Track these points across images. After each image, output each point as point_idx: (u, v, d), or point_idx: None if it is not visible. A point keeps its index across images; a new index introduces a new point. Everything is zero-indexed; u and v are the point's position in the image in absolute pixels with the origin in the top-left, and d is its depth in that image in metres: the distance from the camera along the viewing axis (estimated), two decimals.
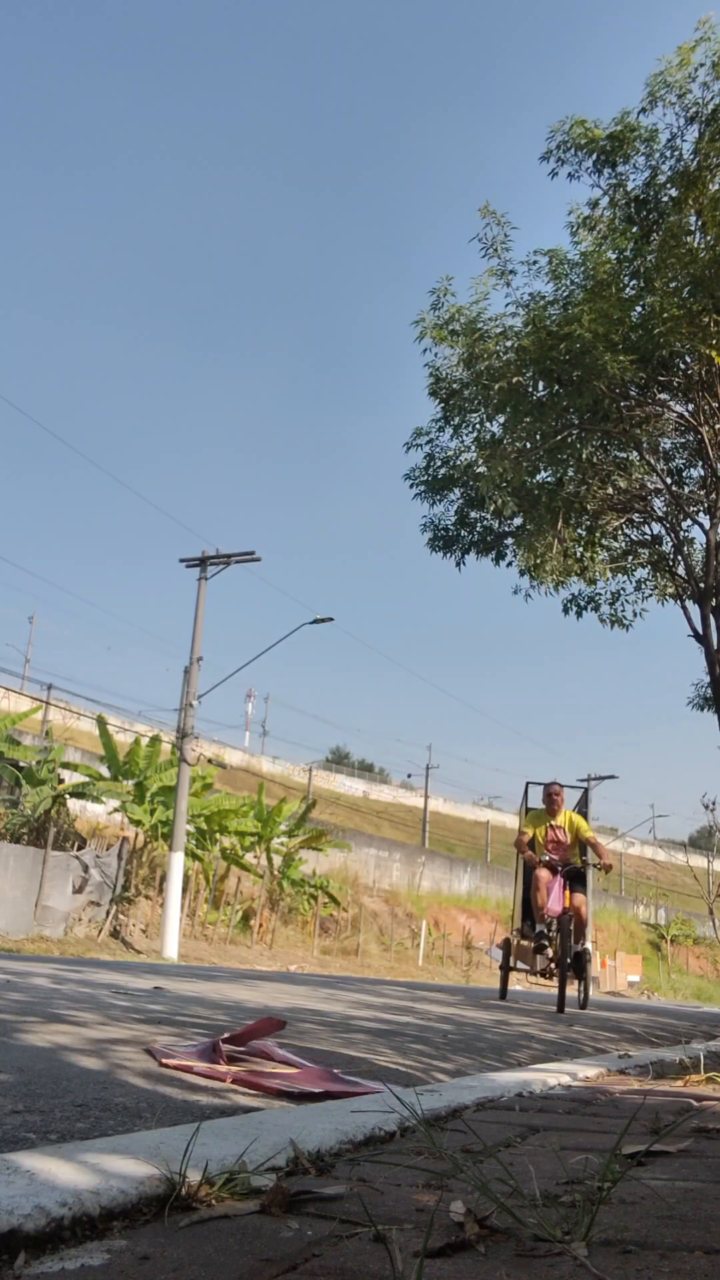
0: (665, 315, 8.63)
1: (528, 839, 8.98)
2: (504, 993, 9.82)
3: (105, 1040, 2.92)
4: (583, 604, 11.58)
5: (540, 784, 9.37)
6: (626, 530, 11.57)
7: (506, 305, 10.20)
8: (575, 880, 8.80)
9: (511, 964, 9.55)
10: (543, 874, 8.57)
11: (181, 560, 21.50)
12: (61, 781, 20.36)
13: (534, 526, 10.30)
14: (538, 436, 9.91)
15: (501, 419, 10.16)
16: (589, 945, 8.82)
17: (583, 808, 10.21)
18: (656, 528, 11.49)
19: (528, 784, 9.85)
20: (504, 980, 9.80)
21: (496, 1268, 0.86)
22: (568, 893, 8.70)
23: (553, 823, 8.98)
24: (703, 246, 9.01)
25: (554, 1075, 2.53)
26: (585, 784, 11.52)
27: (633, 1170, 1.33)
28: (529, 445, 10.01)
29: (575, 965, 8.87)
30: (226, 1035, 2.81)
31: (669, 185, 9.70)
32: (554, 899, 8.47)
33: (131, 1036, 3.06)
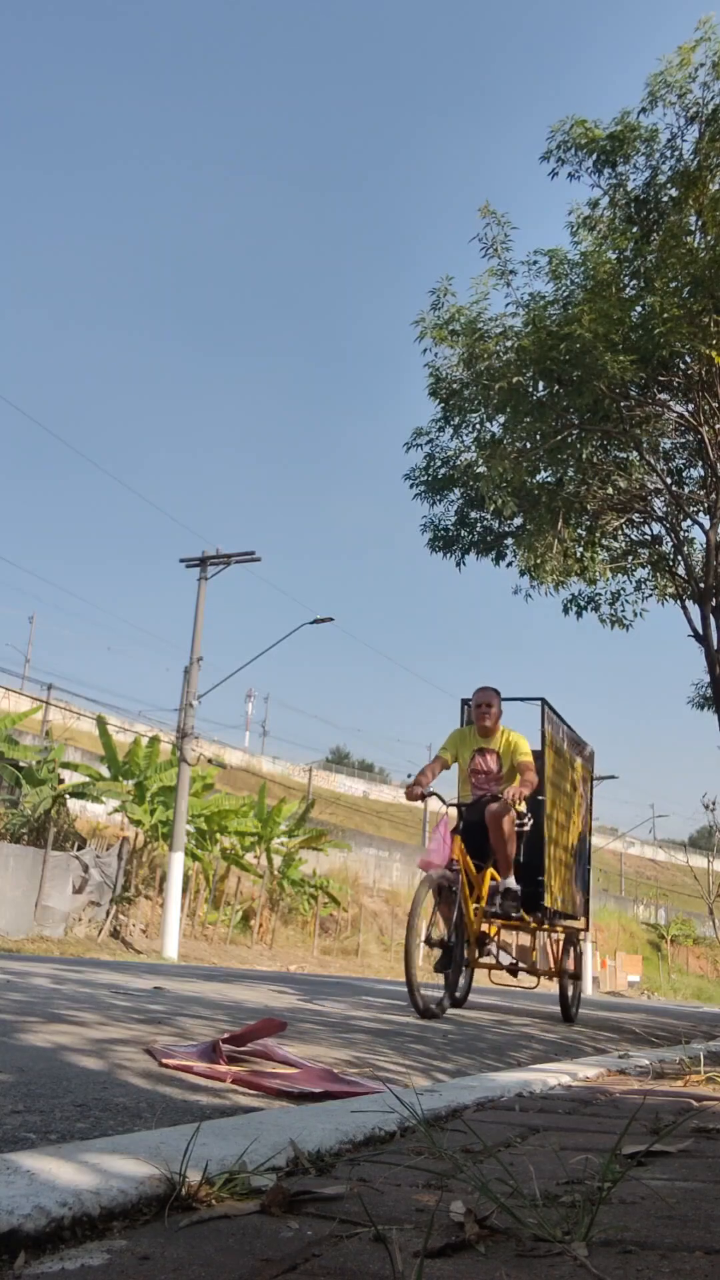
0: (665, 315, 8.63)
1: (436, 772, 6.20)
2: (449, 996, 5.99)
3: (105, 1040, 2.92)
4: (583, 604, 11.58)
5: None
6: (626, 530, 11.57)
7: (506, 305, 10.21)
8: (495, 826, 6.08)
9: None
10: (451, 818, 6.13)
11: (181, 560, 21.51)
12: (61, 781, 20.36)
13: (534, 526, 10.30)
14: (538, 436, 9.91)
15: (501, 419, 10.16)
16: (513, 882, 6.11)
17: (551, 732, 7.06)
18: (656, 528, 11.49)
19: (464, 703, 7.05)
20: (447, 982, 5.98)
21: (496, 1268, 0.86)
22: (460, 849, 5.85)
23: (483, 745, 6.29)
24: (703, 246, 9.01)
25: (554, 1075, 2.53)
26: (539, 699, 6.98)
27: (633, 1170, 1.33)
28: (529, 445, 10.01)
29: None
30: (226, 1035, 2.81)
31: (669, 185, 9.70)
32: (435, 846, 5.55)
33: (131, 1036, 3.06)
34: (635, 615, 11.67)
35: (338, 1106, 1.74)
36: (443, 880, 5.56)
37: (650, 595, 11.74)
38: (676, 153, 9.77)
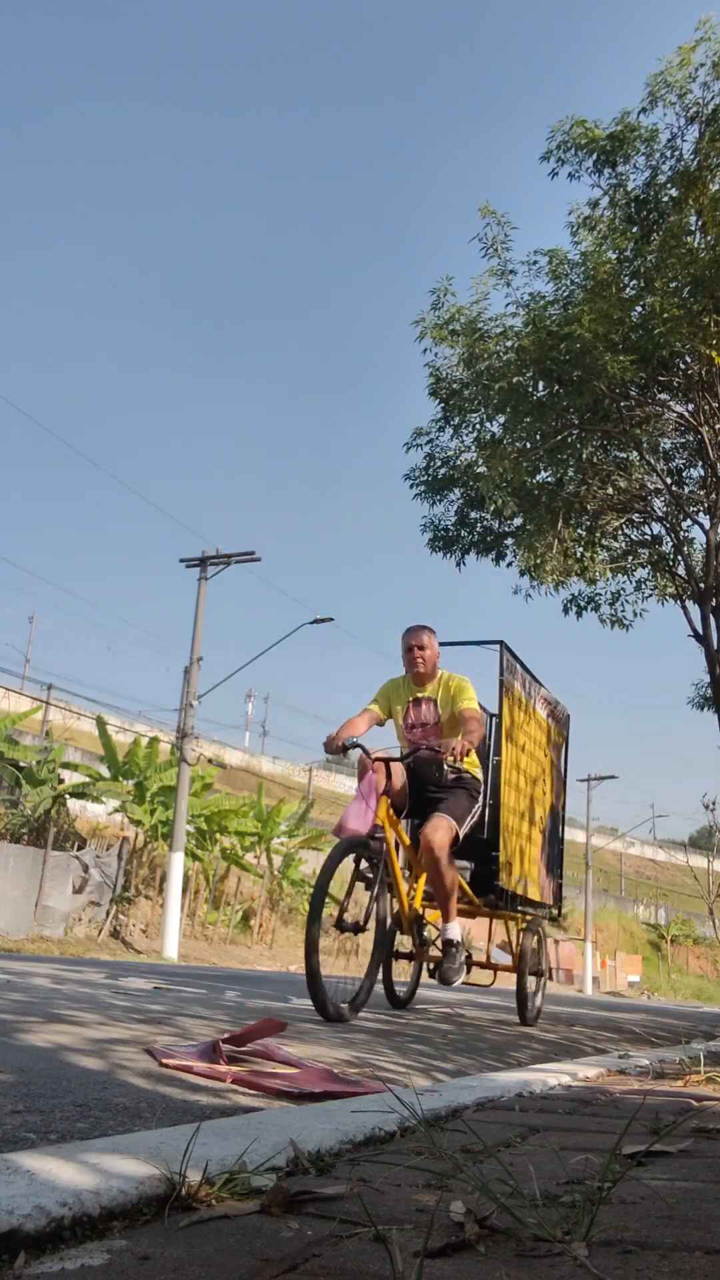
0: (665, 315, 8.63)
1: (364, 727, 5.09)
2: (390, 994, 5.72)
3: (105, 1040, 2.92)
4: (583, 604, 11.58)
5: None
6: (626, 530, 11.57)
7: (506, 305, 10.22)
8: (431, 787, 5.02)
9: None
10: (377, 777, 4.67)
11: (181, 560, 21.51)
12: (61, 781, 20.36)
13: (534, 526, 10.30)
14: (538, 436, 9.91)
15: (501, 419, 10.17)
16: (455, 931, 4.97)
17: (511, 682, 5.93)
18: (656, 528, 11.50)
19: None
20: (383, 978, 5.55)
21: (496, 1268, 0.86)
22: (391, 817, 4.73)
23: (419, 694, 5.16)
24: (703, 246, 9.01)
25: (554, 1075, 2.53)
26: (496, 643, 5.70)
27: (633, 1170, 1.33)
28: (529, 445, 10.01)
29: (442, 967, 5.00)
30: (227, 1035, 2.81)
31: (669, 185, 9.70)
32: (356, 808, 4.48)
33: (131, 1036, 3.06)
34: (635, 615, 11.68)
35: (338, 1106, 1.74)
36: (362, 849, 4.53)
37: (650, 595, 11.74)
38: (676, 153, 9.77)
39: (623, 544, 11.65)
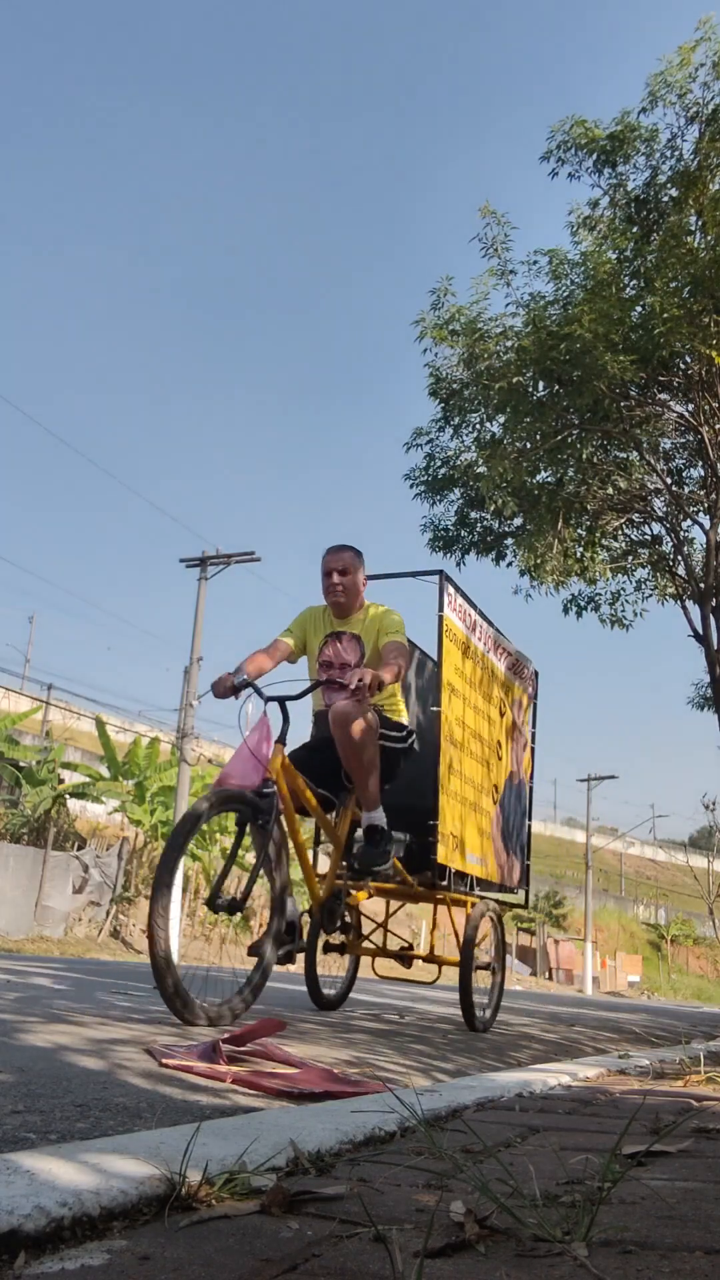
0: (665, 315, 8.63)
1: (268, 663, 4.30)
2: (314, 994, 4.85)
3: (105, 1040, 2.92)
4: (583, 604, 11.58)
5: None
6: (626, 530, 11.57)
7: (506, 305, 10.21)
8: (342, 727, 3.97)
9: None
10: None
11: (181, 560, 21.52)
12: (61, 781, 20.37)
13: (534, 526, 10.30)
14: (538, 436, 9.91)
15: (501, 419, 10.16)
16: (380, 818, 4.19)
17: (456, 621, 5.04)
18: (656, 528, 11.50)
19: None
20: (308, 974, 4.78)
21: (496, 1268, 0.86)
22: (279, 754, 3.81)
23: (339, 627, 4.40)
24: (703, 246, 9.01)
25: (554, 1075, 2.53)
26: (435, 572, 4.95)
27: (633, 1170, 1.33)
28: (529, 445, 10.01)
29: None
30: (227, 1035, 2.81)
31: (669, 185, 9.70)
32: (241, 757, 3.66)
33: (131, 1036, 3.06)
34: (635, 615, 11.68)
35: (338, 1106, 1.74)
36: (243, 807, 3.52)
37: (650, 595, 11.74)
38: (676, 153, 9.77)
39: (623, 544, 11.65)
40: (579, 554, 11.05)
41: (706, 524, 10.57)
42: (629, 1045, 5.35)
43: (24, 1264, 0.83)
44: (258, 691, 3.97)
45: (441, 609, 4.85)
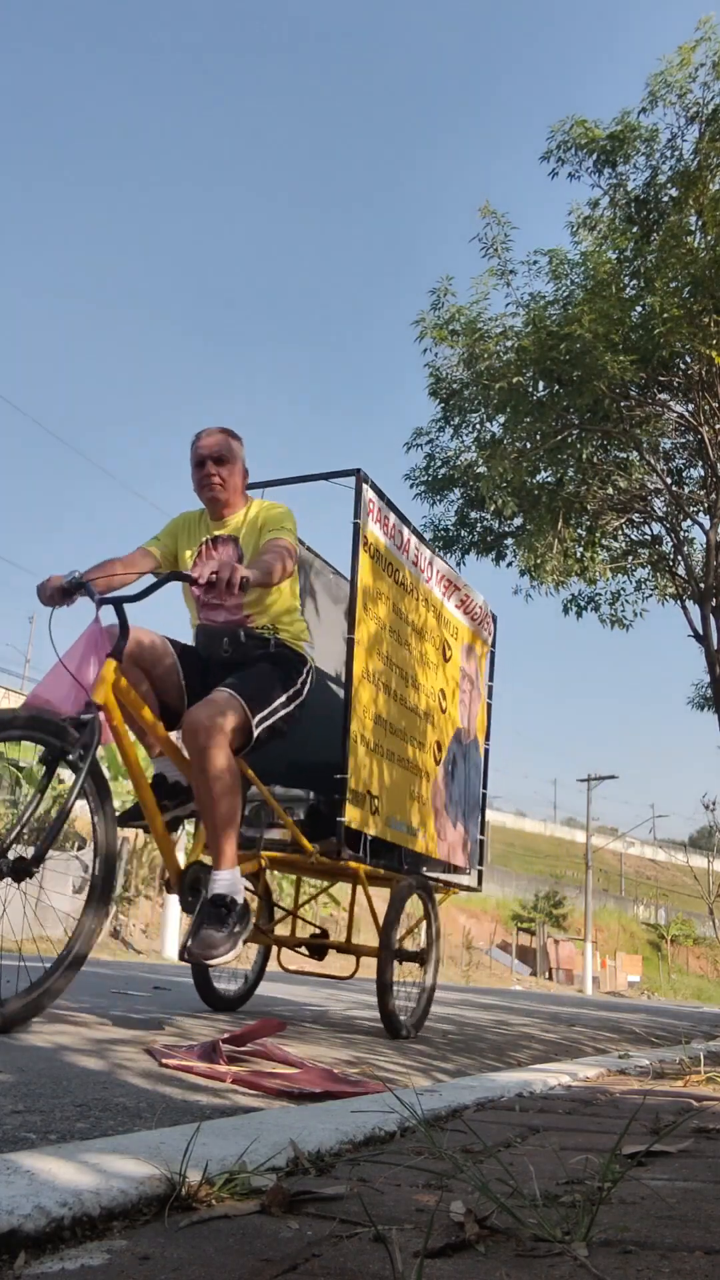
0: (665, 315, 8.63)
1: (124, 571, 3.40)
2: (204, 990, 4.22)
3: (105, 1040, 2.92)
4: (583, 604, 11.58)
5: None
6: (626, 530, 11.57)
7: (506, 305, 10.22)
8: (219, 666, 3.40)
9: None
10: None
11: None
12: (62, 782, 20.34)
13: (534, 526, 10.30)
14: (538, 436, 9.91)
15: (501, 419, 10.16)
16: (228, 882, 3.10)
17: (376, 532, 4.23)
18: (656, 528, 11.50)
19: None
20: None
21: (496, 1268, 0.86)
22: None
23: (216, 532, 3.56)
24: (703, 246, 9.01)
25: (554, 1075, 2.53)
26: (351, 472, 4.11)
27: (633, 1170, 1.33)
28: (529, 445, 10.01)
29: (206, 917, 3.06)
30: (227, 1035, 2.81)
31: (669, 185, 9.70)
32: (53, 680, 2.89)
33: (131, 1036, 3.06)
34: (635, 615, 11.68)
35: (338, 1106, 1.74)
36: (51, 736, 2.78)
37: (650, 595, 11.74)
38: (676, 153, 9.77)
39: (623, 544, 11.65)
40: (579, 554, 11.05)
41: (706, 524, 10.57)
42: (629, 1045, 5.35)
43: (24, 1264, 0.83)
44: (89, 593, 3.10)
45: (358, 516, 4.06)
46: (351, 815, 3.82)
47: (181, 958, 3.23)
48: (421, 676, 4.69)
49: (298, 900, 4.90)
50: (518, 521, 11.00)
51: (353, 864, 3.97)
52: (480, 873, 5.34)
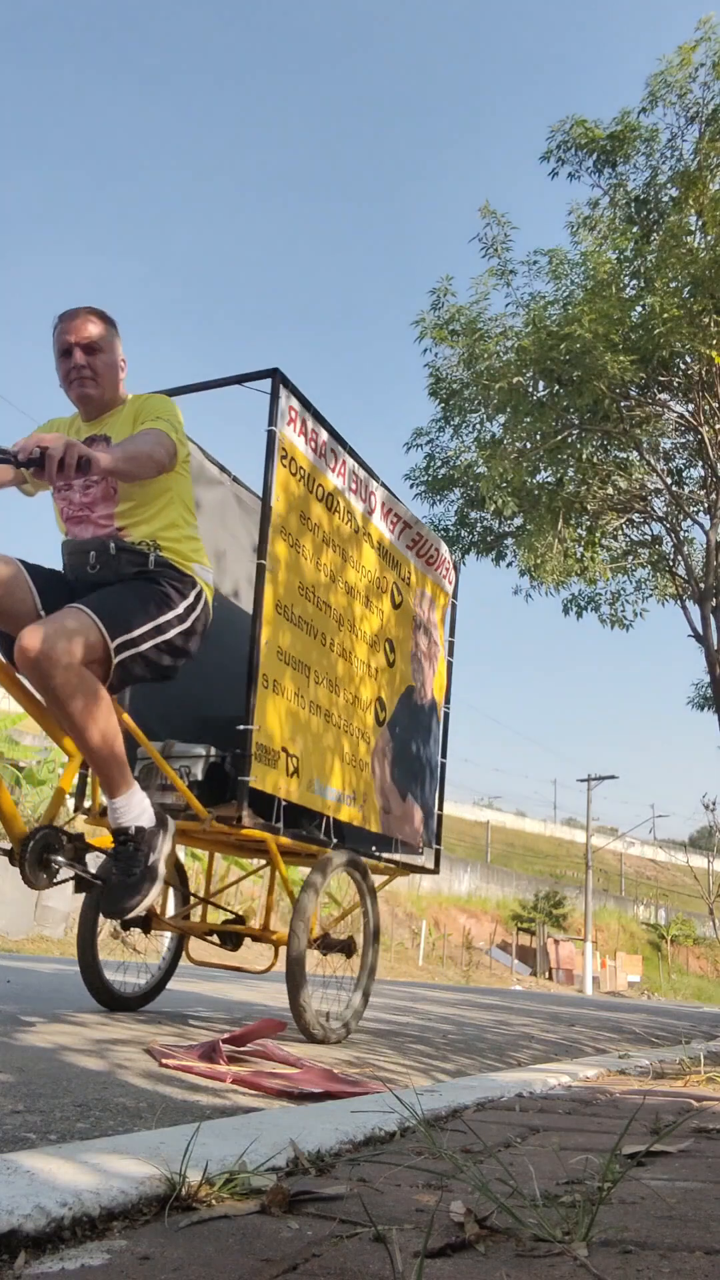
0: (665, 315, 8.63)
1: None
2: (94, 986, 3.74)
3: (106, 1040, 2.93)
4: (583, 604, 11.59)
5: None
6: (626, 530, 11.58)
7: (506, 305, 10.22)
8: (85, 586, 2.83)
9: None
10: None
11: None
12: None
13: (534, 526, 10.31)
14: (538, 436, 9.91)
15: (501, 419, 10.17)
16: (135, 809, 2.77)
17: (294, 442, 3.65)
18: (656, 528, 11.51)
19: None
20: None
21: (496, 1268, 0.86)
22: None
23: (91, 432, 3.00)
24: (703, 246, 9.01)
25: (554, 1075, 2.52)
26: (267, 373, 3.51)
27: (633, 1170, 1.33)
28: (529, 445, 10.01)
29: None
30: (227, 1035, 2.81)
31: (669, 185, 9.71)
32: None
33: (132, 1036, 3.06)
34: (635, 615, 11.69)
35: (338, 1106, 1.74)
36: None
37: (650, 595, 11.75)
38: (676, 153, 9.78)
39: (623, 544, 11.66)
40: (579, 554, 11.05)
41: (706, 524, 10.57)
42: (629, 1045, 5.35)
43: (24, 1264, 0.83)
44: None
45: (273, 423, 3.45)
46: (259, 774, 3.23)
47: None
48: (362, 621, 4.10)
49: (209, 883, 4.47)
50: (518, 521, 11.00)
51: (257, 833, 3.32)
52: (438, 853, 4.73)
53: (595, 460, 10.71)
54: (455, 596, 5.14)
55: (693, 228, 9.34)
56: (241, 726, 3.23)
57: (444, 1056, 3.69)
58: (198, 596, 2.97)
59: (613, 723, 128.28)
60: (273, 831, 3.39)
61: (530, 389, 9.78)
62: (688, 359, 9.47)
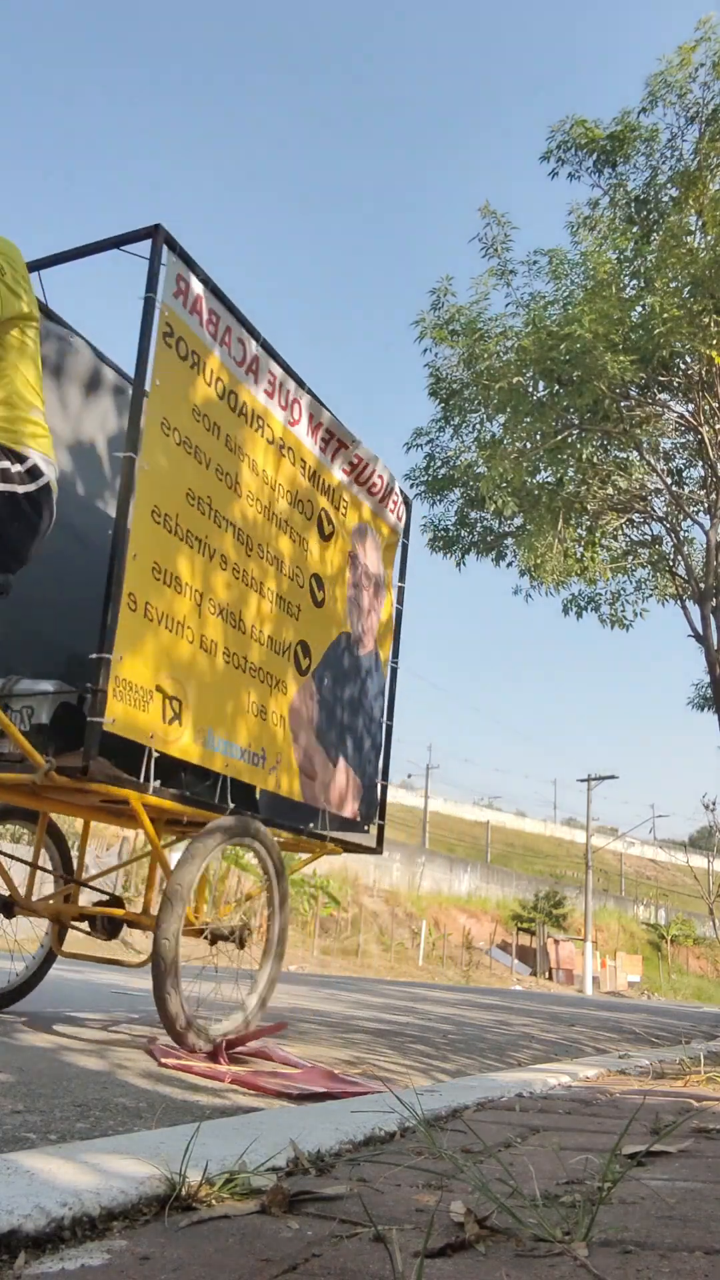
0: (665, 315, 8.64)
1: None
2: None
3: (105, 1040, 2.93)
4: (583, 604, 11.59)
5: None
6: (626, 530, 11.58)
7: (506, 305, 10.23)
8: None
9: None
10: None
11: None
12: None
13: (534, 526, 10.31)
14: (538, 436, 9.92)
15: (501, 419, 10.17)
16: None
17: (176, 312, 3.00)
18: (656, 528, 11.51)
19: None
20: None
21: (496, 1268, 0.86)
22: None
23: None
24: (703, 246, 9.01)
25: (554, 1075, 2.52)
26: (147, 232, 2.88)
27: (633, 1170, 1.33)
28: (529, 445, 10.02)
29: None
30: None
31: (669, 185, 9.71)
32: None
33: (131, 1037, 3.06)
34: (635, 615, 11.69)
35: (338, 1107, 1.74)
36: None
37: (650, 595, 11.75)
38: (676, 153, 9.78)
39: (623, 544, 11.66)
40: (579, 554, 11.05)
41: (706, 524, 10.58)
42: (629, 1045, 5.35)
43: (24, 1264, 0.83)
44: None
45: (153, 290, 2.89)
46: (119, 716, 2.63)
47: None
48: (275, 546, 3.49)
49: (82, 861, 3.68)
50: (518, 521, 11.01)
51: (115, 790, 2.69)
52: (381, 829, 4.15)
53: (595, 460, 10.71)
54: (406, 536, 4.53)
55: (693, 228, 9.34)
56: (100, 655, 2.60)
57: (444, 1056, 3.69)
58: (33, 474, 2.48)
59: (613, 723, 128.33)
60: (136, 789, 2.70)
61: (530, 389, 9.78)
62: (688, 359, 9.48)
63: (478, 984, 24.41)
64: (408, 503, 4.57)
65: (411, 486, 11.23)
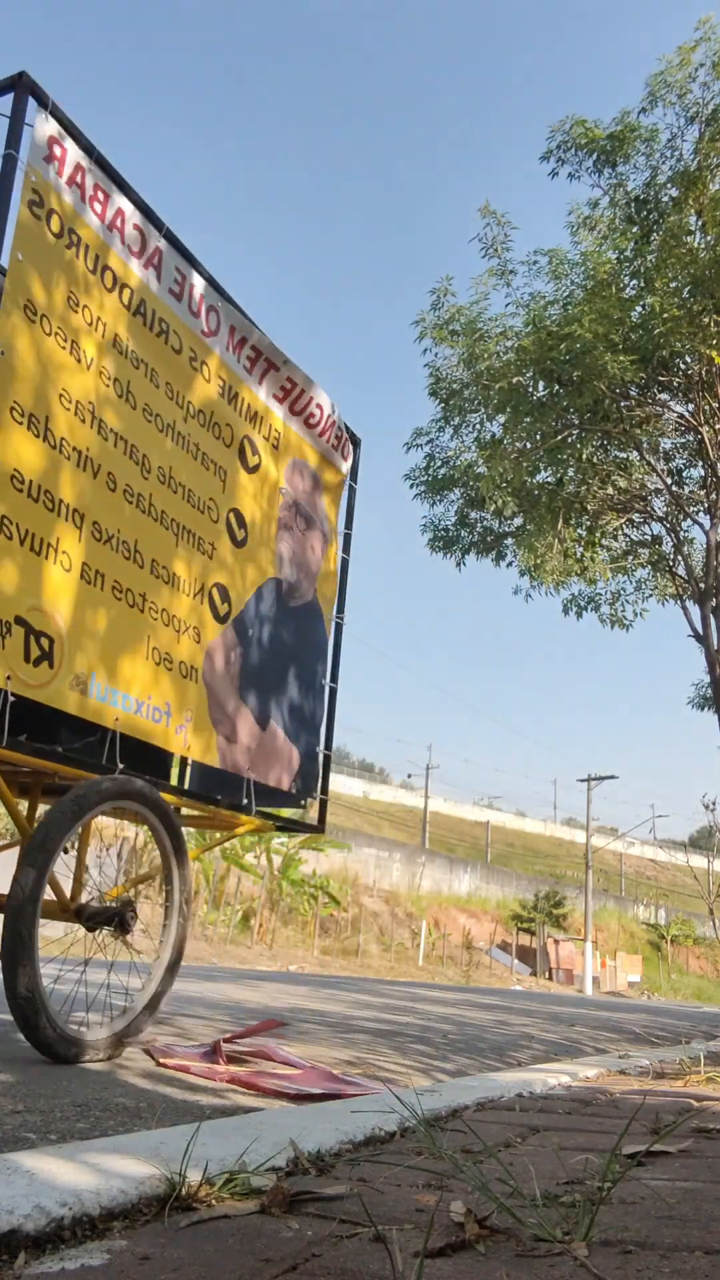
0: (665, 315, 8.64)
1: None
2: None
3: None
4: (583, 604, 11.59)
5: None
6: (626, 530, 11.58)
7: (506, 305, 10.25)
8: None
9: None
10: None
11: None
12: None
13: (534, 526, 10.31)
14: (538, 436, 9.92)
15: (501, 419, 10.17)
16: None
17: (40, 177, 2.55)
18: (656, 528, 11.51)
19: None
20: None
21: (496, 1268, 0.86)
22: None
23: None
24: (703, 246, 9.01)
25: (554, 1075, 2.52)
26: (14, 81, 2.39)
27: (633, 1170, 1.33)
28: (529, 445, 10.02)
29: None
30: (227, 1035, 2.81)
31: (669, 185, 9.71)
32: None
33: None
34: (635, 615, 11.69)
35: (338, 1107, 1.74)
36: None
37: (650, 595, 11.75)
38: (676, 153, 9.77)
39: (623, 544, 11.66)
40: (579, 554, 11.05)
41: (706, 524, 10.57)
42: (629, 1045, 5.35)
43: (24, 1263, 0.82)
44: None
45: (13, 146, 2.44)
46: None
47: None
48: (182, 472, 3.04)
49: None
50: (518, 521, 11.01)
51: None
52: (323, 804, 3.77)
53: (595, 460, 10.71)
54: (354, 479, 4.09)
55: (693, 228, 9.34)
56: None
57: (444, 1056, 3.68)
58: None
59: (613, 723, 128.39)
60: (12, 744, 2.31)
61: (530, 389, 9.78)
62: (688, 359, 9.47)
63: (478, 984, 24.41)
64: (355, 441, 4.10)
65: (411, 487, 11.24)
